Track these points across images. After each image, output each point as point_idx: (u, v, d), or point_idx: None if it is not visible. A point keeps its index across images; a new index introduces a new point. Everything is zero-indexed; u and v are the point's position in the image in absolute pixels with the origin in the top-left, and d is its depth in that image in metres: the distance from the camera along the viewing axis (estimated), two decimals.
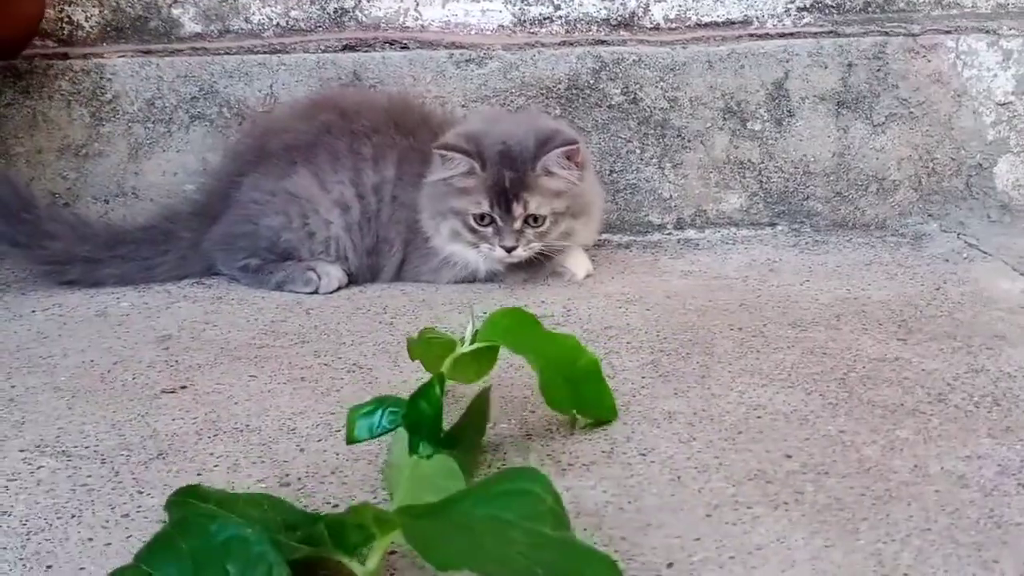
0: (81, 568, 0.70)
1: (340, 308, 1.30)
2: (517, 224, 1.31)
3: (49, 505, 0.80)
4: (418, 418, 0.78)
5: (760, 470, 0.81)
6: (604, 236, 1.58)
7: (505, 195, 1.30)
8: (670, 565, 0.68)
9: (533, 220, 1.32)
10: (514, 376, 1.03)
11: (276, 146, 1.41)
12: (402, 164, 1.39)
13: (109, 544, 0.74)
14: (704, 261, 1.48)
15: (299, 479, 0.83)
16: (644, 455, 0.85)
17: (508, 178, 1.30)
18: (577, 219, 1.36)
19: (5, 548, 0.73)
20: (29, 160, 1.62)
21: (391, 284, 1.41)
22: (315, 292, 1.36)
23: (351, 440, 0.80)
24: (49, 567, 0.71)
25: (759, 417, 0.92)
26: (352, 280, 1.40)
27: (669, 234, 1.61)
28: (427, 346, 0.91)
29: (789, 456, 0.83)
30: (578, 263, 1.40)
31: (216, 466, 0.86)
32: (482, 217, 1.32)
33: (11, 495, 0.82)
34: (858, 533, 0.71)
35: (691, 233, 1.61)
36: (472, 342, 0.88)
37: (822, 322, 1.18)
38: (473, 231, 1.33)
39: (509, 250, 1.31)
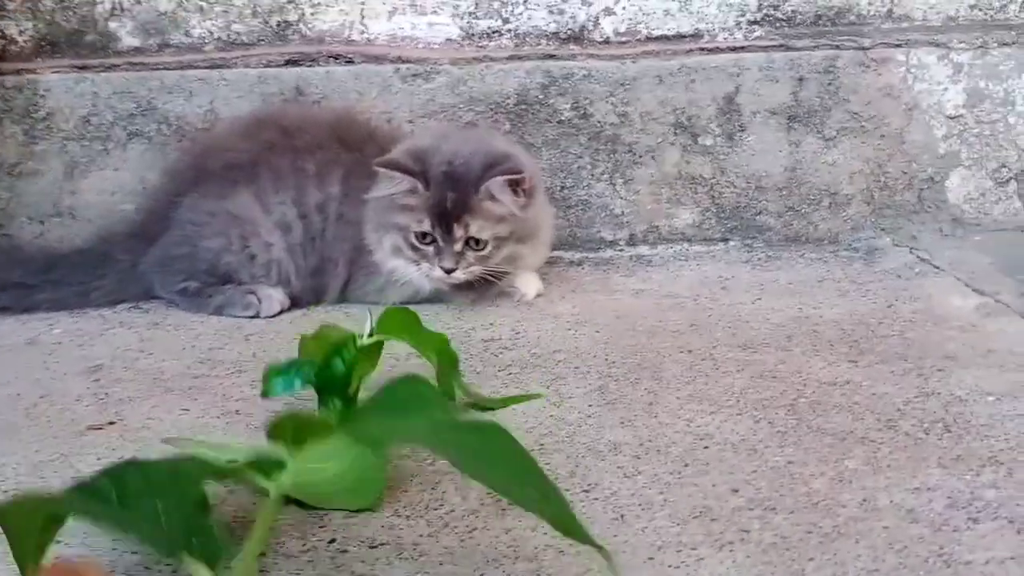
0: None
1: (281, 333, 1.26)
2: (458, 246, 1.28)
3: None
4: (331, 375, 0.87)
5: (705, 506, 0.78)
6: (556, 253, 1.55)
7: (447, 216, 1.27)
8: None
9: (475, 243, 1.29)
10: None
11: (216, 165, 1.37)
12: (348, 180, 1.35)
13: None
14: (656, 279, 1.45)
15: (227, 524, 0.79)
16: (587, 491, 0.82)
17: (451, 199, 1.27)
18: (524, 244, 1.33)
19: None
20: None
21: (336, 306, 1.37)
22: (256, 316, 1.32)
23: (266, 394, 0.88)
24: None
25: (706, 447, 0.89)
26: (295, 303, 1.36)
27: (621, 250, 1.59)
28: (322, 341, 0.94)
29: (736, 490, 0.81)
30: (528, 283, 1.37)
31: None
32: (424, 236, 1.29)
33: None
34: (804, 574, 0.68)
35: (643, 249, 1.59)
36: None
37: (773, 343, 1.16)
38: (414, 248, 1.30)
39: (448, 271, 1.28)
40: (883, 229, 1.59)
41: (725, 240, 1.60)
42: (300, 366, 0.89)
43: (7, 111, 1.55)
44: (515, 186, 1.29)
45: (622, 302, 1.35)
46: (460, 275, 1.29)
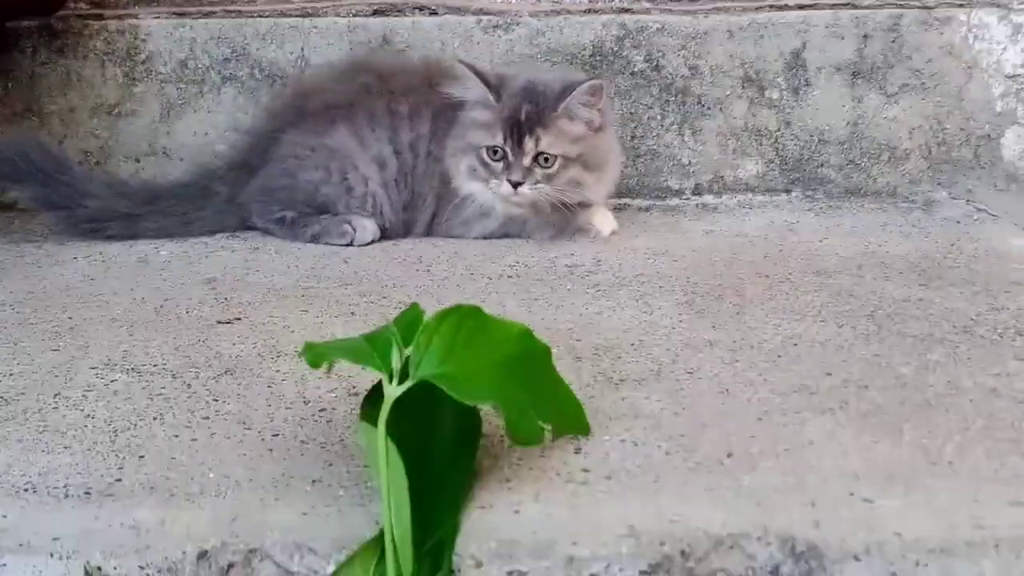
0: (172, 458, 0.74)
1: (376, 258, 1.34)
2: (527, 160, 1.34)
3: (130, 410, 0.84)
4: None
5: (803, 385, 0.86)
6: (624, 200, 1.63)
7: (519, 129, 1.34)
8: (729, 455, 0.73)
9: (544, 160, 1.35)
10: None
11: (315, 105, 1.45)
12: (437, 120, 1.43)
13: (195, 439, 0.78)
14: (724, 222, 1.52)
15: (367, 390, 0.87)
16: (691, 373, 0.90)
17: (525, 112, 1.34)
18: (590, 171, 1.39)
19: (96, 442, 0.77)
20: (62, 118, 1.65)
21: (422, 239, 1.45)
22: (350, 244, 1.40)
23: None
24: (142, 457, 0.75)
25: (795, 345, 0.96)
26: (385, 235, 1.44)
27: (687, 199, 1.66)
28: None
29: (829, 374, 0.88)
30: (604, 220, 1.44)
31: (284, 380, 0.90)
32: (495, 151, 1.36)
33: (91, 402, 0.85)
34: (902, 432, 0.76)
35: (709, 198, 1.66)
36: (402, 377, 0.66)
37: (845, 271, 1.23)
38: (485, 165, 1.37)
39: (515, 185, 1.34)
40: (940, 184, 1.66)
41: (787, 191, 1.66)
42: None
43: (109, 54, 1.64)
44: (592, 105, 1.36)
45: (695, 240, 1.42)
46: (527, 190, 1.35)
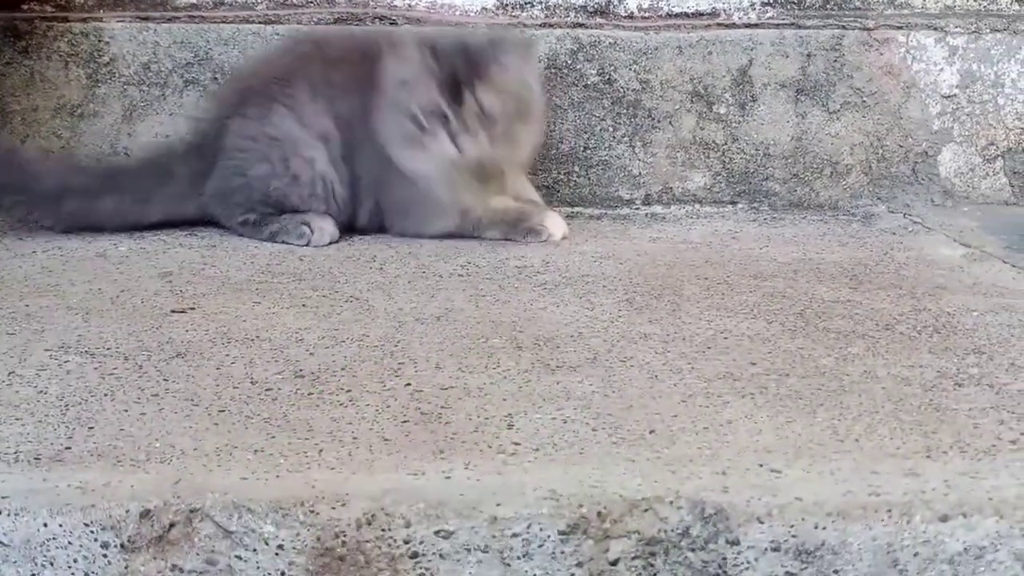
0: (121, 429, 0.78)
1: (331, 256, 1.38)
2: (469, 118, 1.32)
3: (82, 387, 0.87)
4: None
5: (728, 372, 0.91)
6: (576, 208, 1.68)
7: (457, 88, 1.33)
8: (651, 432, 0.77)
9: (484, 115, 1.33)
10: None
11: (256, 83, 1.47)
12: (370, 91, 1.40)
13: (144, 414, 0.81)
14: (670, 231, 1.57)
15: (312, 372, 0.91)
16: (623, 361, 0.94)
17: (462, 72, 1.33)
18: (525, 123, 1.38)
19: (47, 415, 0.80)
20: (24, 118, 1.68)
21: (376, 237, 1.48)
22: (307, 245, 1.43)
23: None
24: (91, 428, 0.78)
25: (725, 338, 1.01)
26: (341, 225, 1.46)
27: (637, 208, 1.71)
28: None
29: (754, 363, 0.93)
30: (556, 223, 1.48)
31: (234, 363, 0.93)
32: (432, 112, 1.33)
33: (44, 380, 0.88)
34: (816, 414, 0.81)
35: (658, 208, 1.71)
36: None
37: (780, 275, 1.28)
38: (422, 128, 1.33)
39: (460, 147, 1.32)
40: (880, 198, 1.72)
41: (734, 203, 1.72)
42: None
43: (73, 55, 1.67)
44: (525, 59, 1.37)
45: (641, 245, 1.47)
46: (471, 148, 1.32)
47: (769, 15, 1.72)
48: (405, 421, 0.79)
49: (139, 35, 1.67)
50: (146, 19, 1.69)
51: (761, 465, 0.71)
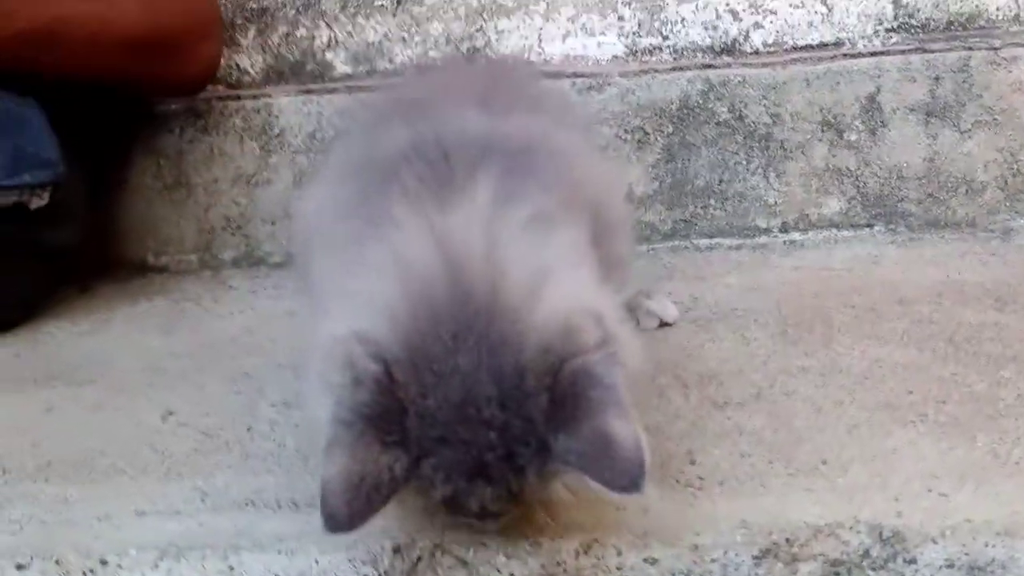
0: None
1: None
2: None
3: (311, 440, 1.00)
4: None
5: (887, 402, 0.98)
6: (715, 240, 1.76)
7: None
8: (824, 462, 0.85)
9: None
10: None
11: None
12: None
13: None
14: (811, 257, 1.64)
15: None
16: (787, 395, 1.03)
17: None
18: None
19: (292, 465, 0.94)
20: (206, 189, 1.86)
21: None
22: None
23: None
24: None
25: (880, 367, 1.08)
26: None
27: (775, 236, 1.78)
28: None
29: (910, 392, 1.00)
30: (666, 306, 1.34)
31: None
32: None
33: (279, 434, 1.02)
34: (975, 439, 0.88)
35: (795, 235, 1.78)
36: None
37: (925, 300, 1.34)
38: None
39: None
40: (1017, 212, 1.75)
41: (870, 226, 1.78)
42: None
43: (246, 129, 1.85)
44: None
45: (784, 275, 1.54)
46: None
47: (894, 41, 1.78)
48: None
49: (303, 107, 1.83)
50: (309, 92, 1.86)
51: (930, 490, 0.79)
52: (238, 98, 1.86)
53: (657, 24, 1.82)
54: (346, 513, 0.63)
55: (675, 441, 0.93)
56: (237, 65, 1.89)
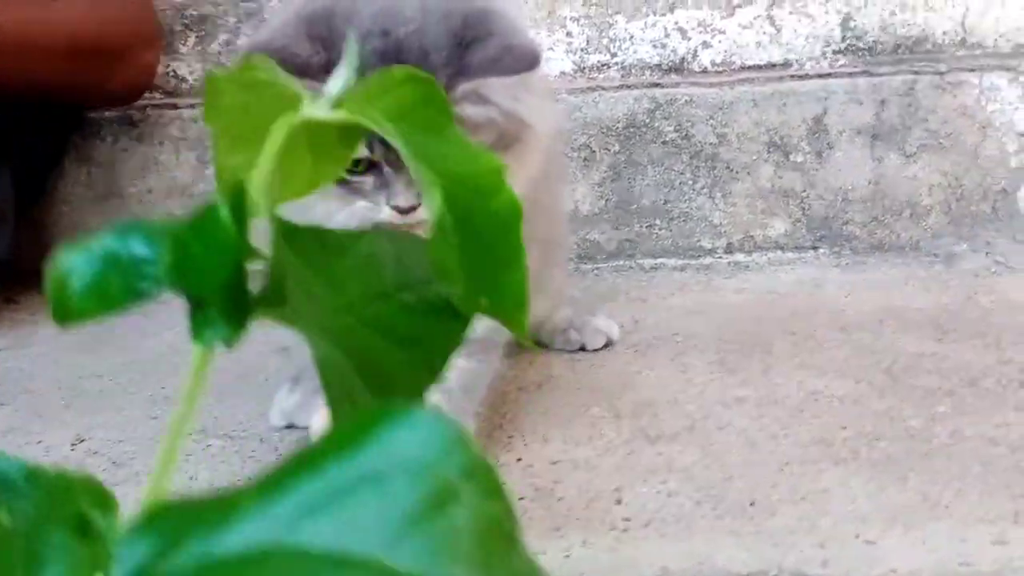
0: None
1: None
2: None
3: (227, 471, 0.96)
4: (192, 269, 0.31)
5: (822, 437, 0.96)
6: (659, 260, 1.74)
7: None
8: (752, 503, 0.83)
9: None
10: None
11: None
12: None
13: None
14: (755, 280, 1.63)
15: None
16: (720, 428, 1.00)
17: None
18: (507, 149, 0.83)
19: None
20: (140, 199, 1.81)
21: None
22: None
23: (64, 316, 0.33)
24: None
25: (816, 400, 1.06)
26: None
27: (720, 257, 1.77)
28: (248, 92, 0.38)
29: (845, 427, 0.98)
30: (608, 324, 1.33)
31: None
32: (356, 163, 0.80)
33: (193, 465, 0.98)
34: (907, 480, 0.86)
35: (740, 256, 1.77)
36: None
37: (866, 327, 1.32)
38: (343, 182, 0.81)
39: (403, 211, 0.80)
40: (960, 237, 1.75)
41: (815, 248, 1.77)
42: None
43: (182, 139, 1.80)
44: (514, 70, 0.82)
45: (727, 297, 1.53)
46: (422, 212, 0.80)
47: (841, 63, 1.77)
48: (522, 498, 0.86)
49: None
50: None
51: (857, 536, 0.76)
52: (175, 107, 1.82)
53: (605, 41, 1.80)
54: None
55: (604, 478, 0.90)
56: (175, 73, 1.84)
